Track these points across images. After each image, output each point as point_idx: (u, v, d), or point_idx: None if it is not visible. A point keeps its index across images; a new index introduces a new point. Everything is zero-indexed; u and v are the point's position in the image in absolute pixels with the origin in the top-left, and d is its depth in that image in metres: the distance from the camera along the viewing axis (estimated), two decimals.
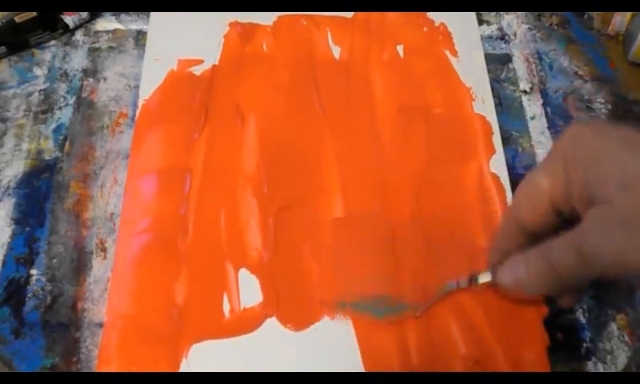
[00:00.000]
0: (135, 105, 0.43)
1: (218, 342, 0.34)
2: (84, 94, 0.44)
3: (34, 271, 0.36)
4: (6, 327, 0.35)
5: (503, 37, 0.50)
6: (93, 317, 0.35)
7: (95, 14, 0.47)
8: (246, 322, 0.35)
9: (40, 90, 0.44)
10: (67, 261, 0.37)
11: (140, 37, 0.47)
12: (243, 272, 0.36)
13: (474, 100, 0.44)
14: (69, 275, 0.37)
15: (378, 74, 0.45)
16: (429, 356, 0.34)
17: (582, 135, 0.27)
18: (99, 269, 0.37)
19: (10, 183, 0.40)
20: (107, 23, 0.48)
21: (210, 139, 0.41)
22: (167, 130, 0.41)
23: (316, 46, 0.46)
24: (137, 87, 0.44)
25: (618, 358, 0.36)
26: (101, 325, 0.35)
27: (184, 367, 0.33)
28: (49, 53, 0.46)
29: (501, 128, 0.43)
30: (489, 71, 0.46)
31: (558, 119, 0.46)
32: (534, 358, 0.35)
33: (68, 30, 0.46)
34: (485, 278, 0.33)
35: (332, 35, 0.47)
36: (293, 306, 0.35)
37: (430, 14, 0.49)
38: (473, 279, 0.34)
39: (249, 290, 0.36)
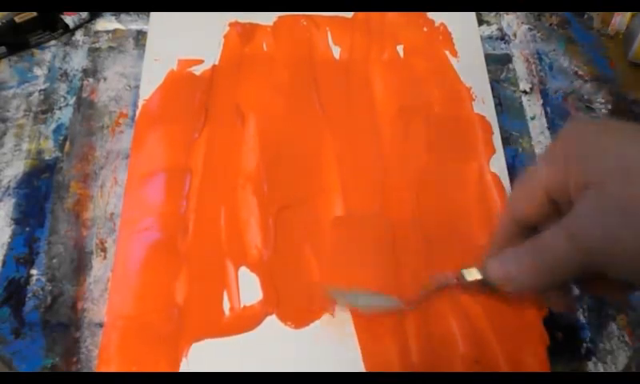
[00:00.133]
0: (135, 105, 0.43)
1: (219, 341, 0.34)
2: (84, 94, 0.44)
3: (34, 271, 0.36)
4: (6, 327, 0.35)
5: (503, 37, 0.50)
6: (93, 317, 0.35)
7: (95, 13, 0.47)
8: (246, 320, 0.35)
9: (40, 90, 0.44)
10: (67, 261, 0.37)
11: (140, 37, 0.47)
12: (243, 270, 0.36)
13: (474, 100, 0.44)
14: (69, 275, 0.37)
15: (378, 74, 0.45)
16: (429, 356, 0.34)
17: (583, 129, 0.27)
18: (99, 269, 0.37)
19: (10, 183, 0.40)
20: (107, 23, 0.48)
21: (209, 139, 0.41)
22: (167, 129, 0.41)
23: (316, 46, 0.46)
24: (137, 87, 0.44)
25: (617, 358, 0.36)
26: (101, 325, 0.35)
27: (184, 367, 0.33)
28: (49, 53, 0.46)
29: (501, 128, 0.43)
30: (489, 71, 0.46)
31: (557, 119, 0.46)
32: (534, 357, 0.35)
33: (68, 30, 0.46)
34: (474, 274, 0.32)
35: (332, 35, 0.47)
36: (293, 304, 0.35)
37: (430, 14, 0.49)
38: (461, 276, 0.33)
39: (249, 288, 0.36)
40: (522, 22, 0.51)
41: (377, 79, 0.45)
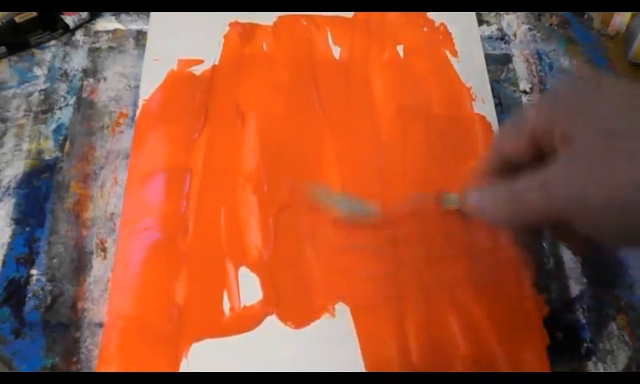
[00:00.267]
0: (135, 105, 0.43)
1: (219, 341, 0.34)
2: (84, 94, 0.44)
3: (34, 271, 0.36)
4: (6, 327, 0.35)
5: (503, 37, 0.50)
6: (93, 317, 0.35)
7: (95, 13, 0.47)
8: (246, 320, 0.35)
9: (40, 90, 0.44)
10: (67, 261, 0.37)
11: (140, 37, 0.47)
12: (243, 270, 0.36)
13: (474, 100, 0.44)
14: (69, 275, 0.37)
15: (378, 74, 0.45)
16: (429, 355, 0.34)
17: (578, 82, 0.27)
18: (99, 269, 0.37)
19: (10, 183, 0.40)
20: (107, 23, 0.48)
21: (210, 139, 0.41)
22: (167, 129, 0.41)
23: (316, 46, 0.46)
24: (137, 87, 0.44)
25: (617, 358, 0.36)
26: (101, 325, 0.35)
27: (184, 366, 0.33)
28: (49, 53, 0.46)
29: None
30: (489, 71, 0.46)
31: None
32: (534, 358, 0.35)
33: (68, 30, 0.46)
34: (453, 200, 0.32)
35: (332, 35, 0.47)
36: (293, 304, 0.35)
37: (430, 14, 0.49)
38: (441, 199, 0.33)
39: (249, 288, 0.36)
40: (522, 22, 0.51)
41: (377, 79, 0.45)
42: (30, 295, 0.36)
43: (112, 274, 0.36)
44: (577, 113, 0.26)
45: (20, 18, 0.43)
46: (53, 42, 0.46)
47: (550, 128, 0.27)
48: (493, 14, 0.51)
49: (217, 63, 0.44)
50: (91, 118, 0.43)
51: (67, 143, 0.41)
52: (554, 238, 0.38)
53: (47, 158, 0.41)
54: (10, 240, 0.37)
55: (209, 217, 0.38)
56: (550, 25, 0.51)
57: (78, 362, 0.34)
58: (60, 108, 0.43)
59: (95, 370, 0.33)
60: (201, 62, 0.44)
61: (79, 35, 0.47)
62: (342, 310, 0.35)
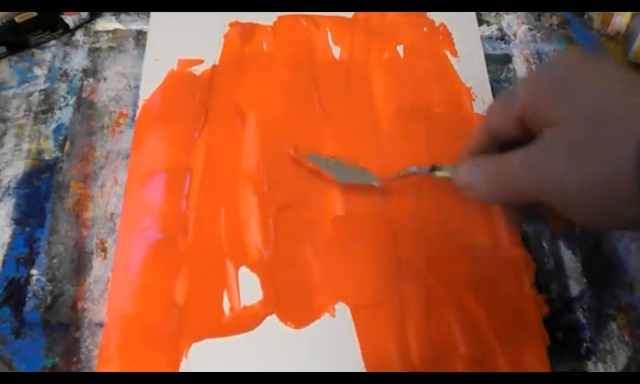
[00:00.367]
0: (135, 105, 0.43)
1: (219, 341, 0.34)
2: (84, 94, 0.44)
3: (34, 271, 0.36)
4: (6, 327, 0.35)
5: (503, 37, 0.50)
6: (93, 317, 0.35)
7: (95, 13, 0.47)
8: (247, 320, 0.35)
9: (40, 90, 0.44)
10: (67, 261, 0.37)
11: (140, 37, 0.47)
12: (243, 270, 0.36)
13: (474, 100, 0.44)
14: (69, 275, 0.37)
15: (378, 74, 0.45)
16: (429, 355, 0.34)
17: (565, 61, 0.27)
18: (99, 269, 0.37)
19: (10, 183, 0.40)
20: (107, 23, 0.48)
21: (210, 139, 0.41)
22: (167, 129, 0.41)
23: (316, 46, 0.46)
24: (137, 87, 0.44)
25: (617, 358, 0.36)
26: (101, 325, 0.35)
27: (184, 366, 0.33)
28: (49, 53, 0.46)
29: None
30: (489, 71, 0.46)
31: None
32: (534, 357, 0.35)
33: (68, 30, 0.46)
34: (444, 172, 0.33)
35: (332, 35, 0.47)
36: (293, 304, 0.35)
37: (430, 14, 0.49)
38: (434, 170, 0.34)
39: (249, 288, 0.36)
40: (522, 22, 0.51)
41: (377, 79, 0.45)
42: (30, 295, 0.36)
43: (112, 273, 0.36)
44: (562, 95, 0.26)
45: (20, 18, 0.43)
46: (53, 42, 0.46)
47: (536, 107, 0.27)
48: (493, 13, 0.51)
49: (217, 63, 0.44)
50: (91, 118, 0.43)
51: (67, 143, 0.41)
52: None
53: (47, 158, 0.41)
54: (10, 240, 0.37)
55: (209, 217, 0.38)
56: (550, 25, 0.51)
57: (78, 362, 0.34)
58: (60, 108, 0.43)
59: (95, 369, 0.33)
60: (201, 61, 0.44)
61: (79, 35, 0.47)
62: (342, 309, 0.35)
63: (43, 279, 0.36)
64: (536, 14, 0.52)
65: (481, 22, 0.50)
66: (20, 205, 0.39)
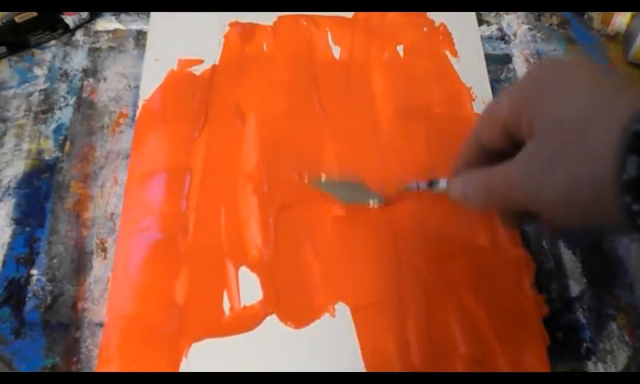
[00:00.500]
0: (135, 105, 0.43)
1: (219, 341, 0.34)
2: (84, 94, 0.44)
3: (34, 271, 0.36)
4: (7, 327, 0.35)
5: (503, 37, 0.50)
6: (93, 317, 0.35)
7: (95, 13, 0.47)
8: (247, 320, 0.35)
9: (40, 90, 0.44)
10: (67, 261, 0.37)
11: (140, 37, 0.47)
12: (243, 270, 0.36)
13: (474, 100, 0.44)
14: (69, 275, 0.37)
15: (378, 74, 0.45)
16: (429, 355, 0.34)
17: (545, 70, 0.27)
18: (99, 269, 0.37)
19: (11, 183, 0.40)
20: (107, 23, 0.48)
21: (210, 139, 0.41)
22: (167, 129, 0.41)
23: (316, 46, 0.46)
24: (137, 87, 0.44)
25: (617, 358, 0.36)
26: (101, 325, 0.35)
27: (184, 366, 0.33)
28: (49, 53, 0.46)
29: None
30: (489, 71, 0.46)
31: None
32: (534, 357, 0.35)
33: (68, 30, 0.46)
34: (442, 186, 0.34)
35: (332, 35, 0.47)
36: (293, 304, 0.35)
37: (430, 14, 0.49)
38: (431, 184, 0.35)
39: (249, 288, 0.36)
40: (522, 22, 0.51)
41: (377, 79, 0.45)
42: (30, 295, 0.36)
43: (112, 273, 0.36)
44: (538, 102, 0.26)
45: (20, 18, 0.43)
46: (53, 42, 0.46)
47: (518, 120, 0.27)
48: (493, 14, 0.51)
49: (217, 63, 0.44)
50: (91, 118, 0.43)
51: (67, 143, 0.41)
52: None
53: (47, 158, 0.41)
54: (10, 240, 0.37)
55: (209, 216, 0.38)
56: (550, 25, 0.51)
57: (78, 362, 0.34)
58: (60, 108, 0.43)
59: (95, 369, 0.33)
60: (201, 62, 0.44)
61: (79, 35, 0.47)
62: (342, 309, 0.35)
63: (43, 279, 0.36)
64: (536, 13, 0.52)
65: (481, 22, 0.50)
66: (20, 205, 0.39)
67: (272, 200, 0.39)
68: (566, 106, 0.24)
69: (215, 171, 0.40)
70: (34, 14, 0.44)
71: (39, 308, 0.35)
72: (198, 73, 0.44)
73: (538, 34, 0.50)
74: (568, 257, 0.39)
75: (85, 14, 0.46)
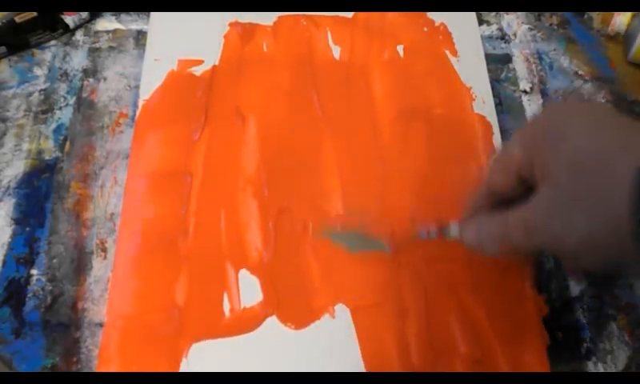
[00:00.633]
0: (135, 105, 0.43)
1: (219, 342, 0.34)
2: (84, 94, 0.44)
3: (34, 271, 0.36)
4: (7, 327, 0.35)
5: (503, 37, 0.50)
6: (93, 317, 0.35)
7: (95, 13, 0.47)
8: (247, 322, 0.35)
9: (40, 90, 0.44)
10: (67, 261, 0.37)
11: (140, 37, 0.47)
12: (243, 273, 0.36)
13: (474, 100, 0.44)
14: (69, 275, 0.37)
15: (378, 74, 0.45)
16: (429, 355, 0.34)
17: (555, 112, 0.27)
18: (99, 269, 0.37)
19: (11, 183, 0.40)
20: (107, 23, 0.48)
21: (210, 140, 0.41)
22: (167, 130, 0.41)
23: (316, 46, 0.46)
24: (137, 87, 0.44)
25: (618, 358, 0.36)
26: (101, 325, 0.35)
27: (184, 367, 0.33)
28: (49, 53, 0.46)
29: (501, 128, 0.43)
30: (489, 71, 0.46)
31: None
32: (534, 357, 0.35)
33: (68, 30, 0.46)
34: (453, 232, 0.33)
35: (332, 35, 0.47)
36: (293, 305, 0.35)
37: (430, 14, 0.49)
38: (443, 231, 0.34)
39: (249, 290, 0.36)
40: (522, 22, 0.51)
41: (377, 79, 0.45)
42: (30, 295, 0.36)
43: (112, 273, 0.36)
44: (549, 145, 0.26)
45: (20, 17, 0.43)
46: (53, 42, 0.46)
47: (532, 164, 0.27)
48: (493, 13, 0.51)
49: (217, 63, 0.44)
50: (91, 118, 0.43)
51: (67, 143, 0.41)
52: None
53: (47, 157, 0.41)
54: (10, 240, 0.37)
55: (209, 219, 0.38)
56: (550, 25, 0.51)
57: (78, 362, 0.34)
58: (60, 108, 0.43)
59: (95, 370, 0.33)
60: (201, 62, 0.44)
61: (79, 35, 0.47)
62: (342, 310, 0.35)
63: (43, 279, 0.36)
64: (536, 13, 0.51)
65: (481, 22, 0.50)
66: (20, 205, 0.39)
67: (272, 203, 0.38)
68: (582, 150, 0.25)
69: (215, 173, 0.40)
70: (34, 14, 0.44)
71: (39, 308, 0.35)
72: (198, 73, 0.44)
73: (538, 34, 0.50)
74: None
75: (85, 14, 0.46)
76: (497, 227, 0.29)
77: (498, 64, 0.48)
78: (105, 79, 0.45)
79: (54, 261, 0.37)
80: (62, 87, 0.44)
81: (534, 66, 0.48)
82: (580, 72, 0.48)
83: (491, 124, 0.43)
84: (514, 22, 0.51)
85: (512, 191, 0.29)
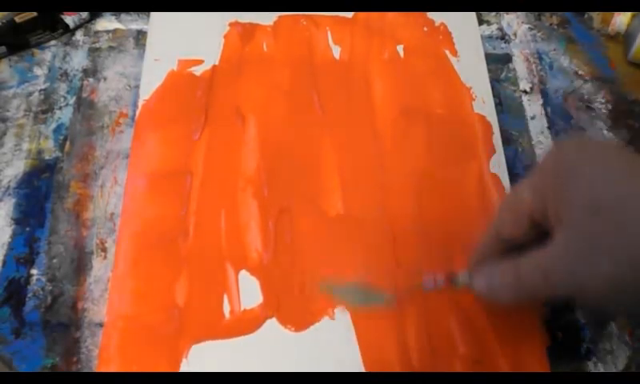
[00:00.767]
0: (135, 105, 0.43)
1: (219, 343, 0.34)
2: (84, 94, 0.44)
3: (34, 271, 0.36)
4: (6, 327, 0.35)
5: (503, 37, 0.50)
6: (93, 317, 0.35)
7: (95, 13, 0.47)
8: (247, 323, 0.35)
9: (40, 90, 0.44)
10: (67, 261, 0.37)
11: (140, 37, 0.47)
12: (243, 274, 0.36)
13: (474, 100, 0.44)
14: (69, 275, 0.37)
15: (378, 74, 0.45)
16: (429, 356, 0.34)
17: (565, 153, 0.27)
18: (99, 269, 0.37)
19: (10, 183, 0.40)
20: (107, 23, 0.48)
21: (210, 140, 0.41)
22: (167, 130, 0.41)
23: (316, 46, 0.46)
24: (137, 87, 0.44)
25: (618, 358, 0.36)
26: (101, 325, 0.35)
27: (184, 367, 0.33)
28: (49, 53, 0.46)
29: (501, 128, 0.43)
30: (489, 71, 0.46)
31: (558, 119, 0.46)
32: (534, 357, 0.35)
33: (68, 30, 0.46)
34: (463, 280, 0.33)
35: (332, 35, 0.47)
36: (293, 307, 0.35)
37: (430, 14, 0.49)
38: (451, 280, 0.34)
39: (249, 291, 0.36)
40: (522, 22, 0.51)
41: (377, 79, 0.45)
42: (30, 295, 0.36)
43: (112, 273, 0.36)
44: (563, 188, 0.25)
45: (20, 17, 0.43)
46: (53, 42, 0.46)
47: (543, 207, 0.26)
48: (493, 13, 0.51)
49: (217, 63, 0.44)
50: (91, 117, 0.43)
51: (67, 143, 0.41)
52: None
53: (47, 157, 0.41)
54: (10, 240, 0.37)
55: (209, 220, 0.38)
56: (550, 24, 0.51)
57: (78, 362, 0.34)
58: (60, 108, 0.43)
59: (95, 370, 0.33)
60: (201, 62, 0.44)
61: (79, 35, 0.47)
62: (342, 312, 0.35)
63: (43, 279, 0.36)
64: (536, 13, 0.51)
65: (481, 22, 0.50)
66: (20, 205, 0.39)
67: (272, 203, 0.38)
68: (598, 191, 0.24)
69: (215, 174, 0.40)
70: (34, 14, 0.44)
71: (39, 308, 0.35)
72: (198, 73, 0.44)
73: (538, 34, 0.50)
74: None
75: (85, 14, 0.46)
76: (511, 275, 0.28)
77: (498, 64, 0.48)
78: (105, 79, 0.45)
79: (54, 261, 0.37)
80: (62, 87, 0.44)
81: (533, 65, 0.48)
82: (580, 72, 0.48)
83: (491, 124, 0.43)
84: (514, 22, 0.51)
85: (523, 236, 0.28)
